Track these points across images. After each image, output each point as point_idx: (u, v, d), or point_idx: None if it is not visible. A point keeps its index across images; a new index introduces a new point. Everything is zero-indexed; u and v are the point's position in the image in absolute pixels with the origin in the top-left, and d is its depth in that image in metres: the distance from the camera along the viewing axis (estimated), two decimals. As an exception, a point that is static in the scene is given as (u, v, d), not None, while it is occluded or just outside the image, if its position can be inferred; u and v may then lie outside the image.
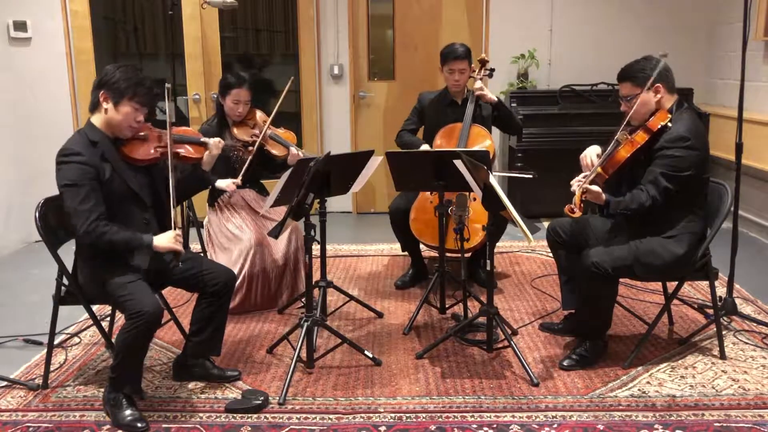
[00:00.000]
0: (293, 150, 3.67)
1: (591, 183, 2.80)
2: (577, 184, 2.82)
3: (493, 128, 4.03)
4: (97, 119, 2.68)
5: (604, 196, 2.78)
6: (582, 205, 2.72)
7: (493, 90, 5.65)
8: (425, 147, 3.86)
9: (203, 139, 2.98)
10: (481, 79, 3.95)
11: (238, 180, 3.51)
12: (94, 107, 2.68)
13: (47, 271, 3.35)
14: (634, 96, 2.87)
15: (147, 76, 2.70)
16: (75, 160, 2.55)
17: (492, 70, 4.01)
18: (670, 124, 2.81)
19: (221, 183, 3.55)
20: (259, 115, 3.80)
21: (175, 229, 2.66)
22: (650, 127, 2.82)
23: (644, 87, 2.84)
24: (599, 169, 2.84)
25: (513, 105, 5.50)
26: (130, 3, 5.95)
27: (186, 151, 2.90)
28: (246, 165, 3.51)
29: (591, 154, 3.01)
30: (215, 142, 2.97)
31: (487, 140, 3.82)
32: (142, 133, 2.75)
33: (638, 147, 2.81)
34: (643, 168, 2.84)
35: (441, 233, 3.46)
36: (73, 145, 2.59)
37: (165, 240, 2.63)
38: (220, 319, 2.88)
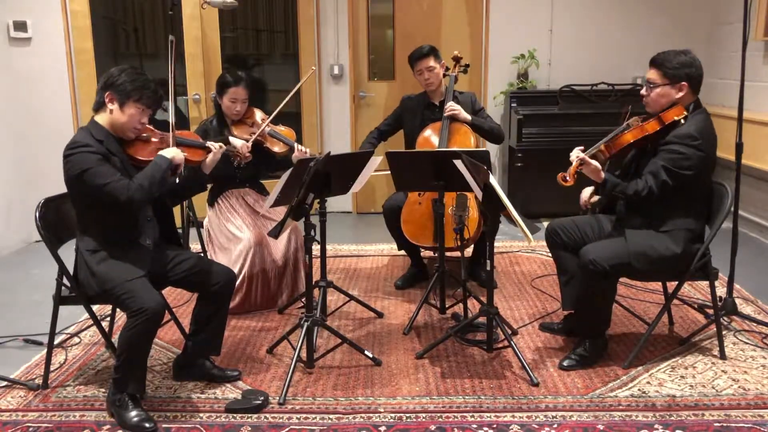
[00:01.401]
0: (300, 148, 3.66)
1: (592, 158, 2.80)
2: (576, 154, 2.82)
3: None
4: (102, 119, 2.70)
5: (602, 174, 2.78)
6: (576, 175, 2.72)
7: (492, 90, 5.72)
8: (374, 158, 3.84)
9: (208, 143, 3.00)
10: (455, 76, 3.96)
11: (249, 144, 3.47)
12: (99, 107, 2.70)
13: (47, 271, 3.35)
14: (657, 85, 2.88)
15: (152, 79, 2.73)
16: (85, 150, 2.58)
17: (467, 65, 4.03)
18: (683, 121, 2.82)
19: (235, 141, 3.50)
20: (258, 114, 3.80)
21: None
22: (663, 118, 2.83)
23: (670, 81, 2.85)
24: (602, 146, 2.84)
25: (513, 105, 5.50)
26: (130, 3, 5.95)
27: (188, 153, 2.91)
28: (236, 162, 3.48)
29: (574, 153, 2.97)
30: (217, 147, 2.99)
31: (468, 136, 3.81)
32: (144, 135, 2.77)
33: (646, 134, 2.82)
34: (649, 158, 2.86)
35: (441, 233, 3.46)
36: (81, 138, 2.61)
37: (175, 152, 2.72)
38: (221, 319, 2.88)
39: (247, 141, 3.50)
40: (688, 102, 2.89)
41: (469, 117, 3.85)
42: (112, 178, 2.56)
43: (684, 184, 2.80)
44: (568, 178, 2.73)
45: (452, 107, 3.82)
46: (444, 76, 3.97)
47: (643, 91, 2.97)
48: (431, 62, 3.88)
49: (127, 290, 2.56)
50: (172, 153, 2.73)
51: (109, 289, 2.61)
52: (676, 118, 2.82)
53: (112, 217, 2.66)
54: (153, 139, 2.80)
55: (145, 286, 2.60)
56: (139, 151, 2.75)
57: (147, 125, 2.77)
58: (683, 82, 2.85)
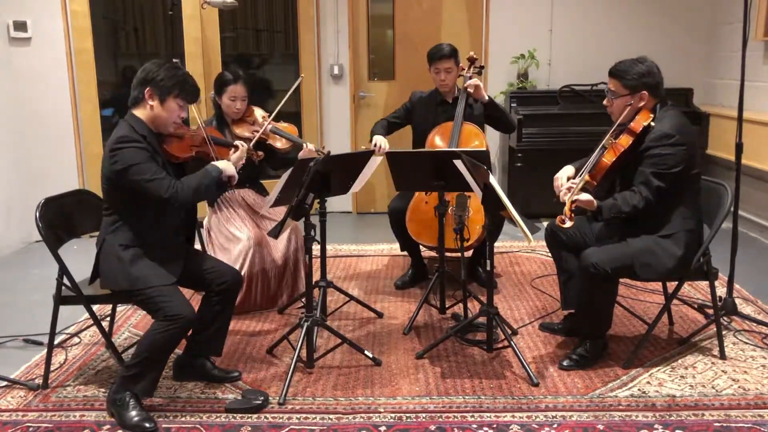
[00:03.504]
0: (309, 146, 3.66)
1: (581, 190, 2.80)
2: (564, 193, 2.82)
3: (489, 128, 4.04)
4: (141, 113, 2.69)
5: (595, 203, 2.79)
6: (573, 215, 2.72)
7: (492, 90, 5.72)
8: (376, 137, 3.81)
9: (236, 142, 3.07)
10: (470, 77, 3.95)
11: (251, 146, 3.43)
12: (137, 102, 2.69)
13: (47, 271, 3.35)
14: (618, 96, 2.91)
15: (188, 73, 2.74)
16: (134, 145, 2.58)
17: (481, 67, 4.01)
18: (653, 123, 2.83)
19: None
20: (258, 111, 3.79)
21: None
22: (633, 129, 2.84)
23: (630, 92, 2.88)
24: (587, 177, 2.85)
25: (513, 105, 5.50)
26: (130, 3, 5.95)
27: (216, 151, 2.95)
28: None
29: (563, 176, 3.00)
30: (243, 146, 3.05)
31: (479, 139, 3.82)
32: (180, 132, 2.80)
33: (623, 150, 2.83)
34: (634, 169, 2.85)
35: (441, 233, 3.46)
36: (128, 133, 2.61)
37: (227, 165, 2.76)
38: (224, 319, 2.89)
39: (250, 141, 3.49)
40: (651, 105, 2.90)
41: (486, 96, 3.86)
42: (157, 175, 2.58)
43: (675, 183, 2.80)
44: (566, 220, 2.70)
45: (473, 82, 3.79)
46: (459, 76, 3.97)
47: (605, 102, 2.99)
48: (451, 64, 3.87)
49: (162, 294, 2.57)
50: (224, 165, 2.75)
51: (142, 289, 2.61)
52: (644, 124, 2.83)
53: (150, 214, 2.66)
54: (186, 136, 2.83)
55: (179, 292, 2.63)
56: (174, 147, 2.77)
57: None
58: (643, 91, 2.87)
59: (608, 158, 2.83)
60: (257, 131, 3.59)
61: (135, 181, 2.57)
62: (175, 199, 2.60)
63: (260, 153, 3.44)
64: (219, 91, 3.68)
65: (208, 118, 3.89)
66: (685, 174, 2.83)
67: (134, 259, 2.64)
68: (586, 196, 2.78)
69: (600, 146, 2.89)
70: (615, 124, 2.92)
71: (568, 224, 2.70)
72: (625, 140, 2.84)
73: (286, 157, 3.75)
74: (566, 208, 2.72)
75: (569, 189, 2.84)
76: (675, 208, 2.87)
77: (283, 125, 3.78)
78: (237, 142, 3.09)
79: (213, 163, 2.76)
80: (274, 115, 3.68)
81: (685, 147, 2.80)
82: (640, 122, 2.84)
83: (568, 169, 3.05)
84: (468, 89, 3.81)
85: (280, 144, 3.72)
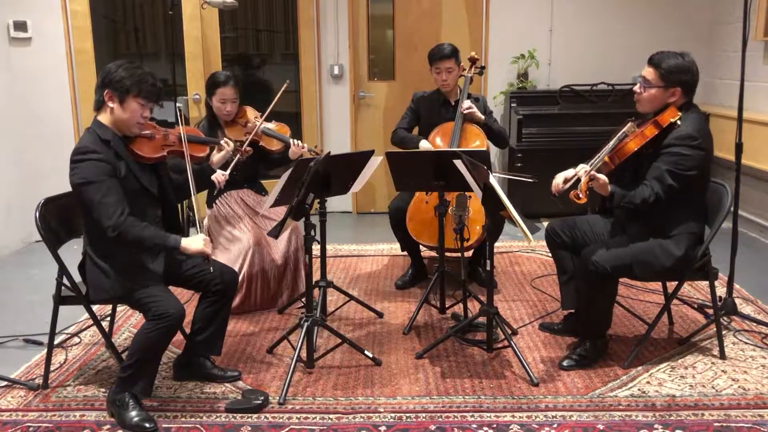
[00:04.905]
0: (296, 143, 3.65)
1: (597, 171, 2.79)
2: (583, 170, 2.80)
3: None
4: (105, 118, 2.66)
5: (609, 187, 2.78)
6: (588, 192, 2.71)
7: (492, 90, 5.72)
8: (424, 143, 3.87)
9: (222, 141, 3.06)
10: (471, 77, 3.96)
11: (225, 173, 3.27)
12: (100, 106, 2.66)
13: (47, 271, 3.35)
14: (652, 86, 2.88)
15: (149, 71, 2.68)
16: (92, 157, 2.53)
17: (482, 68, 4.03)
18: (679, 122, 2.82)
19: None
20: (251, 112, 3.78)
21: (200, 232, 2.67)
22: (660, 122, 2.83)
23: (665, 85, 2.85)
24: (606, 158, 2.84)
25: (513, 105, 5.50)
26: (130, 3, 5.95)
27: (193, 149, 2.92)
28: (234, 162, 3.41)
29: (560, 177, 2.94)
30: (229, 144, 3.01)
31: (480, 139, 3.82)
32: (147, 132, 2.75)
33: (647, 140, 2.82)
34: (648, 161, 2.85)
35: (441, 233, 3.46)
36: (88, 144, 2.57)
37: (195, 243, 2.60)
38: (223, 318, 2.89)
39: (243, 143, 3.48)
40: (680, 103, 2.89)
41: (482, 117, 3.88)
42: (109, 198, 2.50)
43: (688, 186, 2.80)
44: (581, 195, 2.69)
45: (469, 107, 3.82)
46: (459, 76, 3.97)
47: (636, 88, 2.96)
48: (452, 63, 3.88)
49: (150, 294, 2.57)
50: (187, 244, 2.60)
51: (128, 292, 2.60)
52: (672, 120, 2.82)
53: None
54: (157, 136, 2.78)
55: (166, 290, 2.62)
56: (143, 148, 2.72)
57: (149, 122, 2.75)
58: (677, 87, 2.85)
59: (632, 146, 2.81)
60: (249, 133, 3.57)
61: (88, 199, 2.52)
62: (116, 229, 2.49)
63: (248, 149, 3.41)
64: (209, 92, 3.66)
65: (200, 120, 3.87)
66: (698, 178, 2.83)
67: (113, 267, 2.62)
68: (603, 178, 2.76)
69: (622, 131, 2.86)
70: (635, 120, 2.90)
71: (583, 200, 2.68)
72: (651, 131, 2.83)
73: (281, 156, 3.74)
74: (583, 185, 2.71)
75: (589, 161, 2.83)
76: (682, 211, 2.86)
77: (274, 126, 3.75)
78: (223, 141, 3.04)
79: (182, 239, 2.60)
80: (265, 116, 3.64)
81: (704, 152, 2.80)
82: (668, 117, 2.83)
83: (569, 172, 3.03)
84: (464, 112, 3.81)
85: (273, 146, 3.70)
